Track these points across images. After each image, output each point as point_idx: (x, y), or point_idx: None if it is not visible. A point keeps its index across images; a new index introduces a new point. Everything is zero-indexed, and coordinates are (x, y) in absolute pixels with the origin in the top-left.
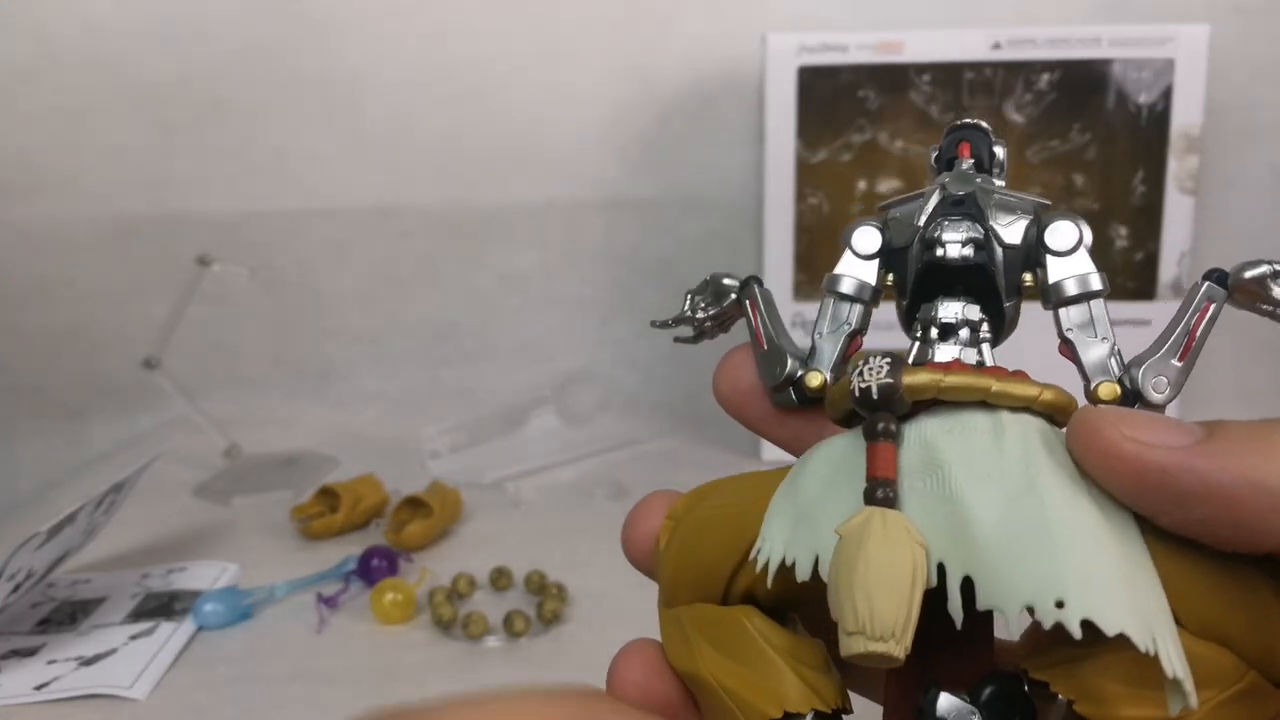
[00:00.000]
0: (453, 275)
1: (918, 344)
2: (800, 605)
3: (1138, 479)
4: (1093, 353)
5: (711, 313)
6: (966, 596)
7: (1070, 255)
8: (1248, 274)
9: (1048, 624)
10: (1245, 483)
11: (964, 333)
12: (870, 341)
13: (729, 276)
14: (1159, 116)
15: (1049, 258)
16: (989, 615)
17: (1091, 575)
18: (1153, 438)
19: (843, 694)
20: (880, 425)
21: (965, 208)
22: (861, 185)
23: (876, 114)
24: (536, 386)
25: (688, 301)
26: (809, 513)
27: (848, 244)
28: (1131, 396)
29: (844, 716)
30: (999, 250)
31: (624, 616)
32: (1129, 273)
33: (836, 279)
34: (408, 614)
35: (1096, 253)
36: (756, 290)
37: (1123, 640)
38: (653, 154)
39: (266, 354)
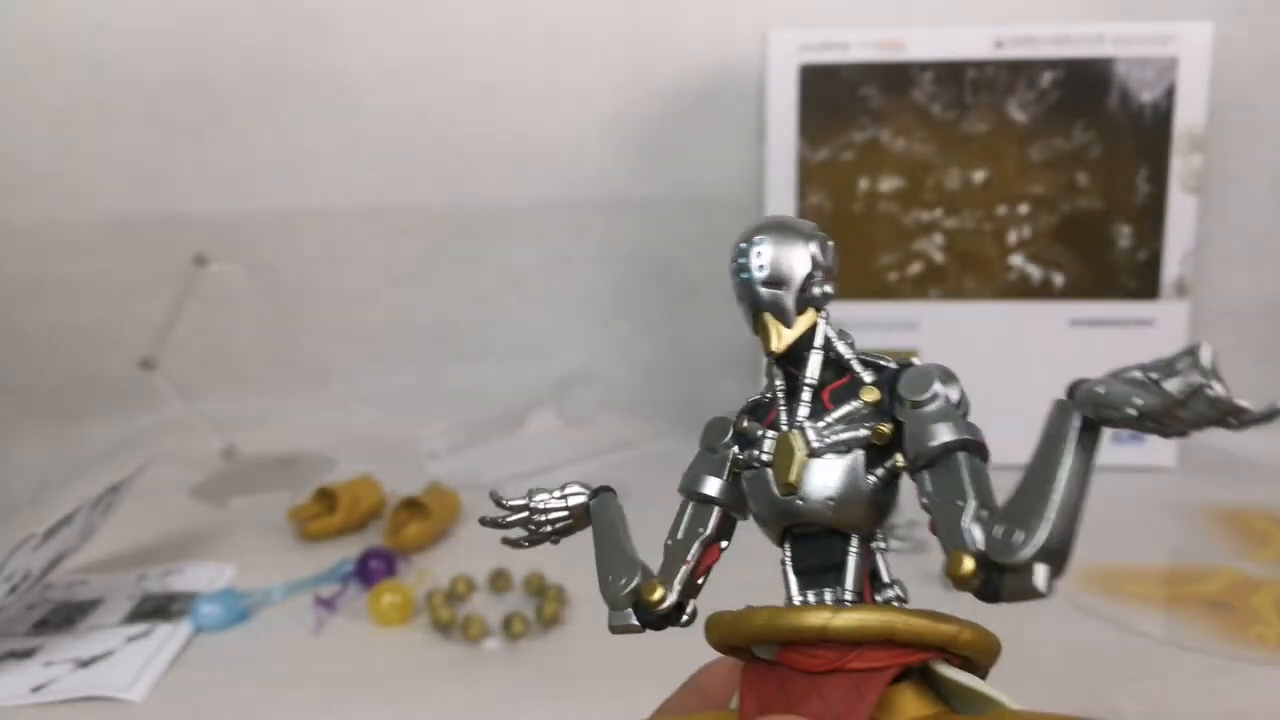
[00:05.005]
0: (451, 275)
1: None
2: None
3: None
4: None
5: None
6: None
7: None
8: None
9: None
10: None
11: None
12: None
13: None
14: (1162, 115)
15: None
16: None
17: None
18: None
19: None
20: None
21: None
22: (863, 184)
23: (878, 112)
24: (536, 387)
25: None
26: None
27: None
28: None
29: None
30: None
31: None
32: (1132, 272)
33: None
34: (406, 616)
35: (1100, 253)
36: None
37: None
38: (653, 153)
39: (264, 354)
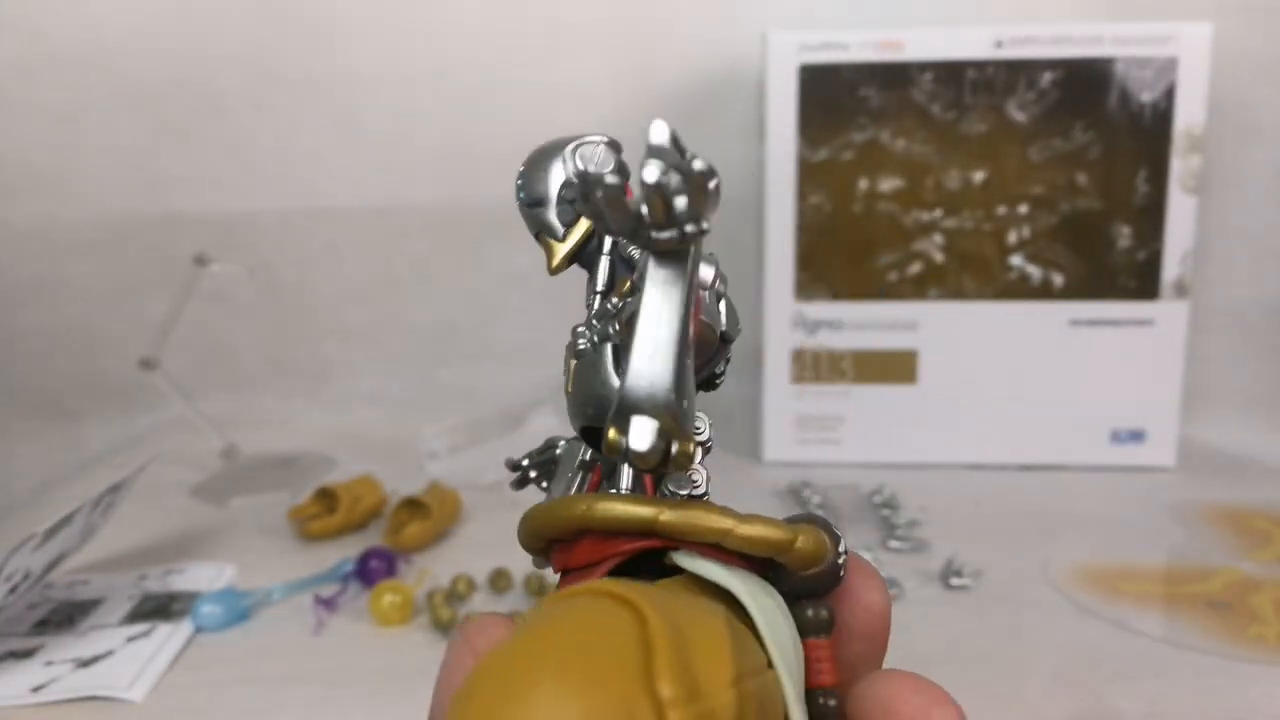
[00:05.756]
0: (451, 275)
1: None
2: None
3: None
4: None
5: (538, 465)
6: None
7: None
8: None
9: None
10: None
11: None
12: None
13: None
14: (1162, 115)
15: None
16: None
17: None
18: None
19: None
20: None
21: None
22: (863, 184)
23: (878, 112)
24: (535, 387)
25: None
26: None
27: None
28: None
29: None
30: None
31: None
32: (1132, 272)
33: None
34: (406, 616)
35: (1099, 253)
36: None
37: None
38: None
39: (264, 354)
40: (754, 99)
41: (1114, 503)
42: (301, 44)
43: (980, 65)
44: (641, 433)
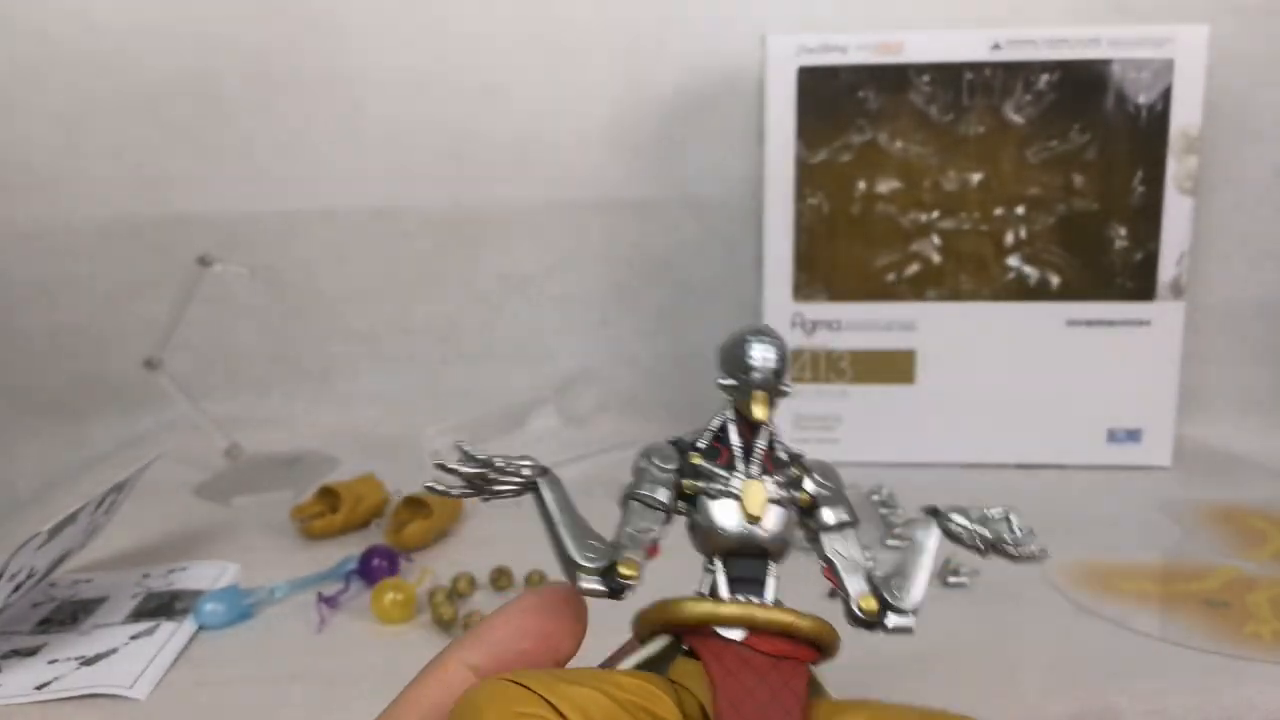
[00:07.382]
0: (453, 275)
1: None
2: None
3: None
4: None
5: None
6: None
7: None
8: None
9: None
10: None
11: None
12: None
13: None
14: (1158, 117)
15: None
16: None
17: None
18: None
19: None
20: None
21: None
22: (861, 185)
23: (876, 114)
24: (536, 386)
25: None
26: None
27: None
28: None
29: None
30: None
31: (622, 615)
32: (1128, 273)
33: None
34: (408, 614)
35: (1096, 254)
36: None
37: None
38: (653, 154)
39: (267, 354)
40: (753, 101)
41: (1111, 502)
42: (305, 45)
43: (978, 67)
44: (913, 620)
